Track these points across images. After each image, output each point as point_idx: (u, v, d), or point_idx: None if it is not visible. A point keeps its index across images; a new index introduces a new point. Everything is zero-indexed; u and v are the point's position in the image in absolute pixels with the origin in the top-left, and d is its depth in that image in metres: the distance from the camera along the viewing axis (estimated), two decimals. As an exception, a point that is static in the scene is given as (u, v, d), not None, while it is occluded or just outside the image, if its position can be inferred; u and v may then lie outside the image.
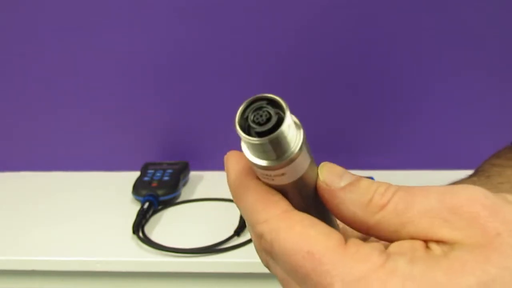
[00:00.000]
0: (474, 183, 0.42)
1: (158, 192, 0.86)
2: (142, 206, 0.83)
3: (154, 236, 0.78)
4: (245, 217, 0.25)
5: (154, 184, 0.88)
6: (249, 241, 0.75)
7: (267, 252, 0.25)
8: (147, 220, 0.82)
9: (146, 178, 0.90)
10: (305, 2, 0.94)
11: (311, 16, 0.95)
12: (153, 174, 0.91)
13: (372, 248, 0.22)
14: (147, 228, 0.80)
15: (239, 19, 0.96)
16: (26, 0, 0.97)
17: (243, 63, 0.98)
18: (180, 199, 0.90)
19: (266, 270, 0.77)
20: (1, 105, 1.03)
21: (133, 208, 0.84)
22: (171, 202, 0.89)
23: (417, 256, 0.21)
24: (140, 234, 0.77)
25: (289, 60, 0.98)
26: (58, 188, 0.98)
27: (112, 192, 0.93)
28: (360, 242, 0.22)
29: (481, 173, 0.48)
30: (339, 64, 0.95)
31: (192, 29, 0.97)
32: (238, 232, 0.76)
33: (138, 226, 0.78)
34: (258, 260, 0.76)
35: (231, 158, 0.25)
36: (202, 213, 0.87)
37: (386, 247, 0.22)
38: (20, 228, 0.83)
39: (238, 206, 0.25)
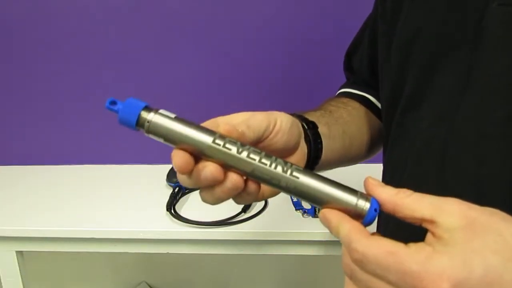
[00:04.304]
0: (322, 115, 0.58)
1: (185, 180, 1.04)
2: (173, 190, 1.02)
3: (182, 213, 0.96)
4: (343, 242, 0.34)
5: (183, 173, 1.06)
6: (252, 216, 0.94)
7: (356, 261, 0.33)
8: (177, 201, 1.00)
9: (176, 169, 1.09)
10: (306, 2, 1.00)
11: (312, 16, 1.01)
12: (182, 166, 1.10)
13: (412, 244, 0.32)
14: (177, 207, 0.98)
15: (240, 22, 1.03)
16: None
17: (247, 64, 1.07)
18: (202, 185, 1.07)
19: (263, 237, 0.98)
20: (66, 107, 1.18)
21: (166, 192, 1.03)
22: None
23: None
24: (172, 211, 0.96)
25: (289, 61, 1.06)
26: (112, 177, 1.16)
27: (151, 179, 1.12)
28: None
29: (324, 110, 0.60)
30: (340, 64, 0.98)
31: (193, 30, 1.06)
32: (245, 209, 0.96)
33: (171, 205, 0.98)
34: (259, 230, 0.95)
35: (329, 213, 0.36)
36: (219, 195, 1.03)
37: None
38: (85, 208, 1.01)
39: (338, 236, 0.35)
